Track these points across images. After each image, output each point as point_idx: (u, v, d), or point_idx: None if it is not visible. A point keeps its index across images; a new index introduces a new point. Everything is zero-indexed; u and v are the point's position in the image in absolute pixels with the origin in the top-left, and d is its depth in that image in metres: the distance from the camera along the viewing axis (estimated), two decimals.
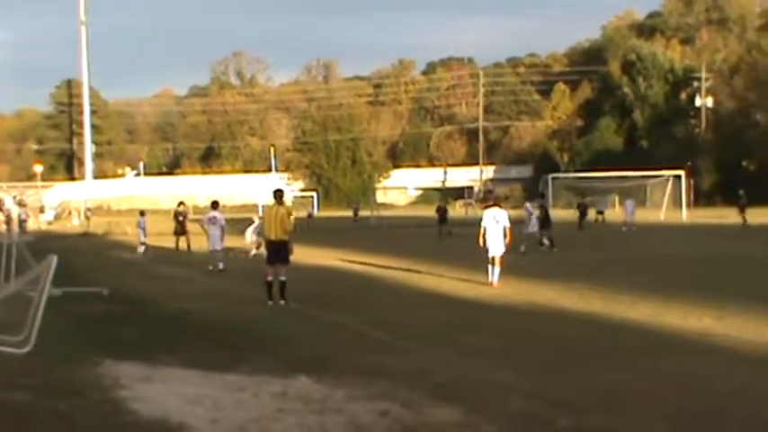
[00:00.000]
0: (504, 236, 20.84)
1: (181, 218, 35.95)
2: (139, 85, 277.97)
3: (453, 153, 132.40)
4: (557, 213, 39.88)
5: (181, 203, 37.92)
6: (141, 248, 35.78)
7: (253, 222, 32.42)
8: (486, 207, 22.59)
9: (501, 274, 20.52)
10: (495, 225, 20.87)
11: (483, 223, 21.18)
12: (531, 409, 8.85)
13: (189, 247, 35.14)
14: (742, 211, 48.54)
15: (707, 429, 8.06)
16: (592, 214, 54.54)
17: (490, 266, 20.70)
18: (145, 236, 36.39)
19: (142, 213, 38.19)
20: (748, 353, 11.61)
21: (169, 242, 36.84)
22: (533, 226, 32.44)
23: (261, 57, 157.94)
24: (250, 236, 32.29)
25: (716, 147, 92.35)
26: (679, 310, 15.32)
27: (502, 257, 20.77)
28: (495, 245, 20.75)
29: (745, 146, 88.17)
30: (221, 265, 26.70)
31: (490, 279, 20.56)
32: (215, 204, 28.59)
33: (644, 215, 49.32)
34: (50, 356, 11.35)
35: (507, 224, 20.97)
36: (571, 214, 51.05)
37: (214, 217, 27.80)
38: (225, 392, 9.61)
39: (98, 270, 28.07)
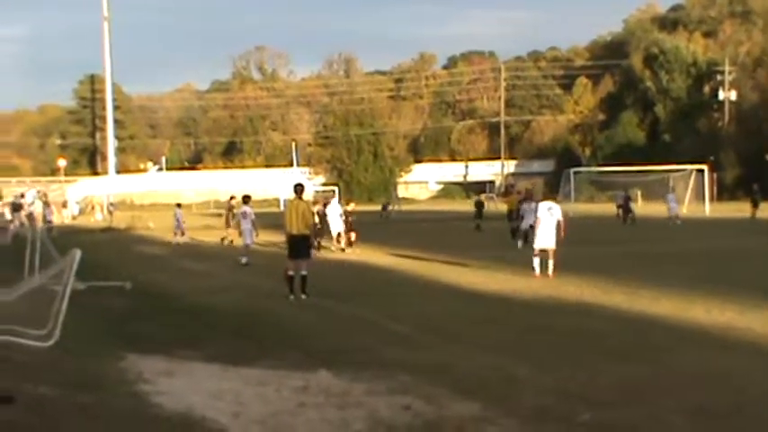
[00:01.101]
0: (558, 229, 20.90)
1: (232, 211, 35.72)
2: (161, 80, 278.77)
3: (474, 147, 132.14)
4: (578, 207, 39.70)
5: (233, 197, 37.78)
6: (178, 238, 37.36)
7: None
8: (540, 201, 22.62)
9: (553, 267, 20.68)
10: (549, 218, 20.94)
11: (537, 215, 21.34)
12: (550, 404, 8.85)
13: (232, 240, 34.81)
14: (755, 205, 48.61)
15: (728, 424, 8.04)
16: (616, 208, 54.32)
17: (536, 259, 20.86)
18: (179, 227, 38.02)
19: (179, 206, 39.32)
20: None
21: (197, 236, 37.24)
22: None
23: (282, 51, 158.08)
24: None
25: (739, 140, 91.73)
26: (702, 305, 15.26)
27: (555, 251, 20.88)
28: (548, 237, 20.88)
29: None
30: (244, 260, 26.81)
31: (537, 272, 20.77)
32: (246, 199, 28.82)
33: (666, 210, 49.01)
34: (74, 350, 11.42)
35: (560, 218, 21.04)
36: (598, 208, 50.93)
37: (245, 212, 28.01)
38: (246, 386, 9.65)
39: (121, 264, 28.19)
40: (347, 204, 33.74)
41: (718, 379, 9.85)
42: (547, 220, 21.00)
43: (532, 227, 23.39)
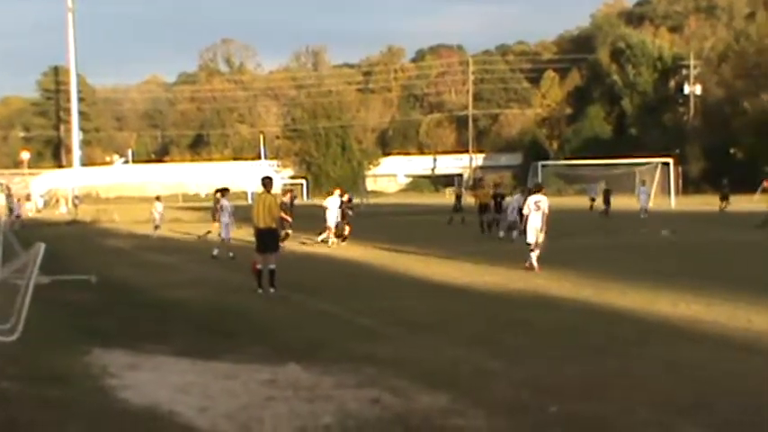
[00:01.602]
0: (543, 223, 20.82)
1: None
2: (128, 73, 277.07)
3: (443, 140, 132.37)
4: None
5: (218, 191, 37.25)
6: (156, 231, 37.17)
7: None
8: (531, 193, 22.46)
9: (536, 258, 20.68)
10: (536, 211, 20.85)
11: (525, 210, 21.27)
12: (519, 397, 8.84)
13: (209, 232, 33.95)
14: (724, 199, 49.41)
15: (696, 416, 8.06)
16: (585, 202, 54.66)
17: (533, 253, 20.78)
18: (157, 220, 37.79)
19: (158, 198, 39.44)
20: (736, 340, 11.64)
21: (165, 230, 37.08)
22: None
23: (249, 44, 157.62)
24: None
25: (704, 134, 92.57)
26: (669, 298, 15.34)
27: (537, 243, 20.82)
28: (534, 231, 20.81)
29: (733, 133, 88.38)
30: (215, 251, 26.70)
31: (531, 263, 20.71)
32: (223, 192, 28.42)
33: (633, 203, 49.34)
34: (38, 345, 11.30)
35: (546, 211, 20.94)
36: (568, 201, 51.13)
37: (222, 205, 27.71)
38: (214, 380, 9.58)
39: (86, 258, 27.97)
40: (342, 196, 33.13)
41: (686, 371, 9.88)
42: (534, 213, 20.94)
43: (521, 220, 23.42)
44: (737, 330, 12.27)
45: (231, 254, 26.32)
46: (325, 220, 31.27)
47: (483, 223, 34.92)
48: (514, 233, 29.96)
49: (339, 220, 31.41)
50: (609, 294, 16.21)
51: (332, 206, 31.40)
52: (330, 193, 32.92)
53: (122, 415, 8.10)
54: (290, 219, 31.13)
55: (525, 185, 40.31)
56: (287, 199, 32.96)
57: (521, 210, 22.84)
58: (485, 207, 35.37)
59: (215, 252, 26.70)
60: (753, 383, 9.28)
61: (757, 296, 15.18)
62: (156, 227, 37.57)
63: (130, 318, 14.91)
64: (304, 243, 31.24)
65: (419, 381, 9.45)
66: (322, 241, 31.08)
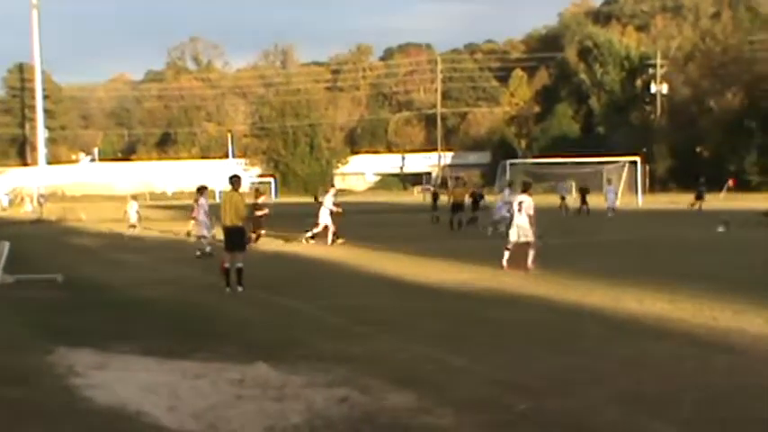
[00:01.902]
0: (531, 224, 20.62)
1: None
2: (94, 70, 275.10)
3: (411, 139, 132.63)
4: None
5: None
6: (132, 230, 36.49)
7: None
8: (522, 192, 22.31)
9: (532, 260, 20.36)
10: (518, 212, 20.76)
11: (512, 210, 21.23)
12: (487, 394, 8.87)
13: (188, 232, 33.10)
14: (700, 197, 49.63)
15: (661, 412, 8.12)
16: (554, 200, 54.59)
17: (507, 252, 20.56)
18: (137, 220, 37.35)
19: (134, 198, 39.34)
20: (701, 337, 11.73)
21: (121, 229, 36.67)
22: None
23: (217, 42, 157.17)
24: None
25: (671, 133, 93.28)
26: (635, 295, 15.43)
27: (530, 243, 20.50)
28: (517, 231, 20.65)
29: (699, 132, 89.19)
30: (199, 252, 26.63)
31: (504, 264, 20.48)
32: (201, 189, 28.32)
33: (600, 201, 49.59)
34: (1, 345, 11.22)
35: (531, 212, 20.77)
36: (537, 199, 50.97)
37: (200, 203, 27.67)
38: (182, 380, 9.55)
39: (53, 257, 27.77)
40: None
41: (652, 368, 9.96)
42: (517, 214, 20.86)
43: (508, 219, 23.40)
44: (703, 327, 12.37)
45: (208, 249, 26.28)
46: (316, 217, 31.15)
47: (453, 221, 35.06)
48: (490, 229, 30.18)
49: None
50: (575, 292, 16.29)
51: (327, 204, 31.31)
52: (326, 191, 32.76)
53: (87, 415, 8.05)
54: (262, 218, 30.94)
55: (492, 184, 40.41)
56: (261, 200, 32.70)
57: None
58: (458, 205, 35.61)
59: (197, 253, 26.56)
60: (718, 380, 9.37)
61: (722, 293, 15.30)
62: (132, 226, 37.06)
63: (98, 316, 14.82)
64: (288, 241, 31.06)
65: (388, 379, 9.46)
66: (311, 237, 30.86)
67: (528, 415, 8.13)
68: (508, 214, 27.93)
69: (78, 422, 7.86)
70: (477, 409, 8.33)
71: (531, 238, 20.53)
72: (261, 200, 32.92)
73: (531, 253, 20.31)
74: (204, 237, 27.22)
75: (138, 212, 37.51)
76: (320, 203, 31.46)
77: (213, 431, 7.70)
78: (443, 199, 43.47)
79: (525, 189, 21.79)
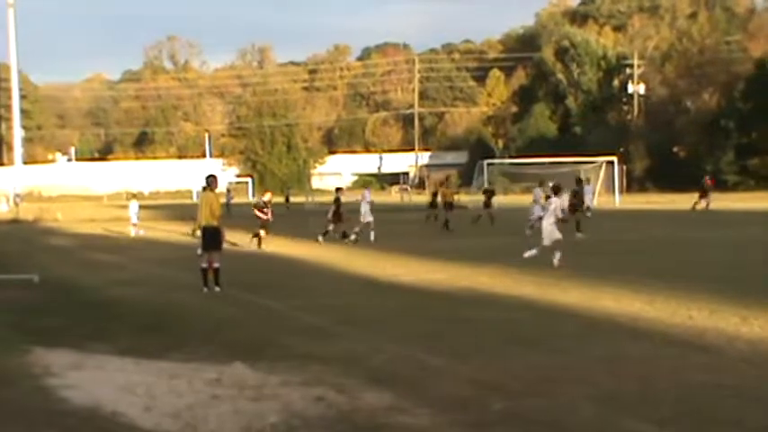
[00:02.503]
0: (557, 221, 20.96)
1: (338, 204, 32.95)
2: (71, 70, 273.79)
3: (389, 139, 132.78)
4: (495, 199, 40.00)
5: (339, 189, 36.39)
6: (137, 231, 36.78)
7: None
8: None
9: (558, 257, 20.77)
10: (546, 212, 20.98)
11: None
12: (464, 393, 8.88)
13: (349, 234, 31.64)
14: (703, 196, 47.69)
15: (637, 411, 8.15)
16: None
17: (557, 253, 20.81)
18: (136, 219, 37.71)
19: (134, 197, 40.34)
20: (678, 336, 11.78)
21: (110, 228, 36.59)
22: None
23: (195, 41, 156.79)
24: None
25: (648, 133, 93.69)
26: (612, 295, 15.49)
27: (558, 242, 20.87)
28: (547, 232, 20.93)
29: (676, 132, 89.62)
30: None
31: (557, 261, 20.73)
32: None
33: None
34: None
35: (559, 213, 21.18)
36: (515, 199, 51.00)
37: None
38: (159, 380, 9.51)
39: (29, 257, 27.63)
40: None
41: (628, 367, 9.99)
42: (546, 215, 21.08)
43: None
44: (679, 326, 12.42)
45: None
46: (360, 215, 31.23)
47: (447, 220, 35.28)
48: (528, 231, 30.27)
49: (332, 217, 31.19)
50: (552, 291, 16.34)
51: (367, 199, 31.68)
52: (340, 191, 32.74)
53: (64, 415, 8.00)
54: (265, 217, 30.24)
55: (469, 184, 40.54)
56: (267, 198, 31.97)
57: (563, 209, 22.66)
58: (450, 204, 36.24)
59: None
60: (695, 379, 9.40)
61: (698, 293, 15.37)
62: (134, 225, 37.36)
63: (74, 317, 14.74)
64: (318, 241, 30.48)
65: (365, 379, 9.46)
66: (345, 236, 30.59)
67: (505, 414, 8.14)
68: (543, 213, 27.97)
69: (55, 422, 7.81)
70: (453, 409, 8.33)
71: (556, 237, 20.74)
72: (267, 197, 32.35)
73: (558, 252, 20.60)
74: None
75: (137, 213, 37.68)
76: (290, 205, 31.50)
77: (190, 431, 7.67)
78: (405, 199, 43.72)
79: (556, 191, 21.96)
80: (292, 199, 68.53)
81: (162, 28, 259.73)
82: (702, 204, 47.45)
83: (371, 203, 32.28)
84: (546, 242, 21.00)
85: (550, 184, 23.79)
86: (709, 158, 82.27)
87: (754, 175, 76.22)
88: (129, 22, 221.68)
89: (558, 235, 20.96)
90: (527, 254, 21.28)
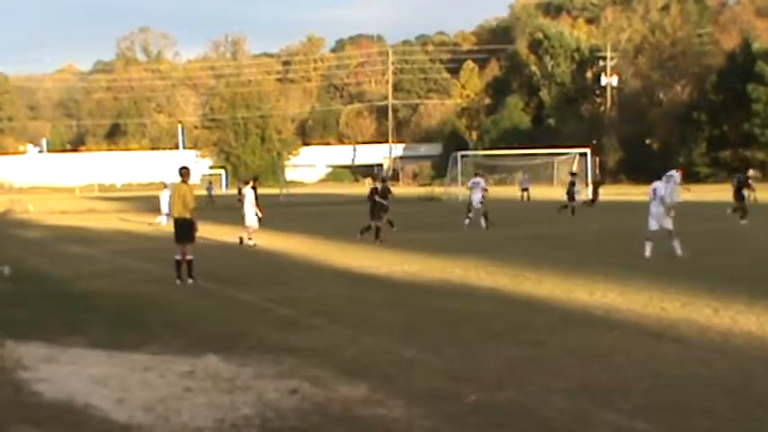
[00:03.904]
0: (668, 209, 20.57)
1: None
2: (41, 60, 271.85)
3: (363, 131, 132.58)
4: (467, 191, 40.03)
5: (384, 179, 35.89)
6: (161, 219, 36.75)
7: None
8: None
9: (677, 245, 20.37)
10: (653, 199, 20.71)
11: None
12: (438, 385, 8.90)
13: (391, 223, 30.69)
14: (745, 188, 37.12)
15: (610, 401, 8.20)
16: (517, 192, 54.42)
17: (648, 243, 20.43)
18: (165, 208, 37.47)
19: (165, 186, 39.38)
20: (650, 327, 11.86)
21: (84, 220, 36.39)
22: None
23: (167, 32, 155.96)
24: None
25: (621, 125, 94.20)
26: (585, 287, 15.57)
27: (671, 232, 20.45)
28: (655, 218, 20.58)
29: (649, 124, 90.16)
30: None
31: (648, 254, 20.26)
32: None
33: (551, 193, 49.92)
34: None
35: (668, 199, 20.77)
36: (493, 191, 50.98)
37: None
38: (131, 372, 9.47)
39: None
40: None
41: (602, 358, 10.04)
42: (653, 202, 20.73)
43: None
44: (652, 318, 12.50)
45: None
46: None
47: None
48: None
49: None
50: (526, 283, 16.41)
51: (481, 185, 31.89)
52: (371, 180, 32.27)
53: (36, 408, 7.96)
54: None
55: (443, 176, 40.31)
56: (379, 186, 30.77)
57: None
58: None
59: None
60: (667, 369, 9.46)
61: (670, 285, 15.48)
62: (167, 215, 37.16)
63: (46, 309, 14.66)
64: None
65: (339, 371, 9.46)
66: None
67: (478, 406, 8.16)
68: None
69: (27, 416, 7.76)
70: (428, 401, 8.34)
71: (669, 225, 20.48)
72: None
73: (676, 240, 20.29)
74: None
75: (168, 201, 37.84)
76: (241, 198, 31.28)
77: (163, 424, 7.64)
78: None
79: (659, 177, 21.66)
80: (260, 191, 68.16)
81: (135, 19, 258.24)
82: (752, 197, 38.86)
83: (486, 191, 32.58)
84: (669, 226, 20.46)
85: (670, 171, 23.22)
86: (682, 150, 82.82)
87: (726, 167, 76.70)
88: (102, 13, 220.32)
89: (670, 223, 20.52)
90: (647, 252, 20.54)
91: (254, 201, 27.46)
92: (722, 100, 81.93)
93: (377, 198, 27.84)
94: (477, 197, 31.73)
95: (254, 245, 26.27)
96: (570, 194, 40.59)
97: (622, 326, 11.99)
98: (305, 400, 8.30)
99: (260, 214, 27.51)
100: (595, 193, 47.68)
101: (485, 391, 8.64)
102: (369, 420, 7.78)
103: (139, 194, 79.67)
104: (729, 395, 8.42)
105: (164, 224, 35.75)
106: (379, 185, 29.62)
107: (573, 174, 47.38)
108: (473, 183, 32.71)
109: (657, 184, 21.07)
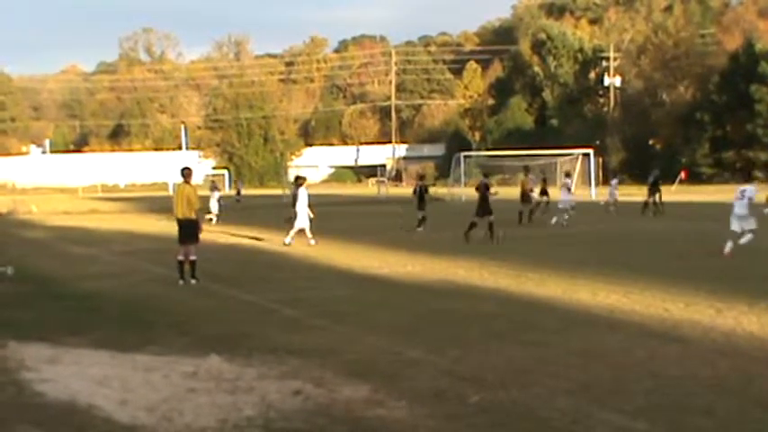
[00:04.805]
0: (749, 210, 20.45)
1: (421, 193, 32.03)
2: (45, 61, 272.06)
3: (365, 131, 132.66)
4: (469, 191, 40.04)
5: (422, 177, 35.95)
6: (212, 216, 38.17)
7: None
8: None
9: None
10: (739, 200, 20.55)
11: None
12: (441, 386, 8.90)
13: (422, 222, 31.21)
14: None
15: (613, 403, 8.20)
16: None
17: (729, 242, 20.33)
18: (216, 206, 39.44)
19: (216, 188, 41.24)
20: (653, 327, 11.85)
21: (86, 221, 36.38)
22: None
23: (171, 33, 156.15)
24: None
25: (624, 125, 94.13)
26: (588, 287, 15.55)
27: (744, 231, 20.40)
28: (738, 219, 20.47)
29: (652, 125, 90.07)
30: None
31: (727, 251, 20.15)
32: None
33: (554, 193, 49.80)
34: None
35: (754, 199, 20.74)
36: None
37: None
38: (134, 373, 9.48)
39: (2, 249, 27.41)
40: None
41: (604, 359, 10.04)
42: (738, 201, 20.50)
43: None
44: (655, 318, 12.49)
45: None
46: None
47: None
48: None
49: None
50: (528, 284, 16.40)
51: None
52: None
53: (39, 409, 7.97)
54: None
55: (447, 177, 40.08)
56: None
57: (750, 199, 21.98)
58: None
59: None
60: (669, 370, 9.46)
61: (674, 285, 15.46)
62: (217, 216, 38.68)
63: (49, 310, 14.67)
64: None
65: (342, 371, 9.47)
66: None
67: (481, 406, 8.17)
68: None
69: (29, 416, 7.77)
70: (430, 401, 8.35)
71: (752, 225, 20.40)
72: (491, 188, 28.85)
73: (750, 237, 20.26)
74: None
75: (218, 203, 39.39)
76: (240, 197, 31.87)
77: (166, 424, 7.65)
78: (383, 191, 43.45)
79: (747, 180, 21.60)
80: (243, 192, 68.72)
81: (138, 19, 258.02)
82: None
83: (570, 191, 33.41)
84: (753, 226, 20.39)
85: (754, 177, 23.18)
86: (685, 151, 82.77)
87: (729, 167, 76.64)
88: (105, 13, 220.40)
89: (753, 223, 20.44)
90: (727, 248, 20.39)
91: (306, 201, 27.48)
92: (725, 101, 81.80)
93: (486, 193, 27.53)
94: None
95: (291, 244, 26.18)
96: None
97: (625, 326, 11.98)
98: (308, 401, 8.31)
99: (312, 215, 27.55)
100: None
101: (488, 391, 8.64)
102: (372, 421, 7.79)
103: (142, 195, 79.71)
104: (731, 396, 8.42)
105: (213, 222, 37.08)
106: (420, 184, 31.96)
107: (567, 174, 47.10)
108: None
109: (747, 187, 21.03)
